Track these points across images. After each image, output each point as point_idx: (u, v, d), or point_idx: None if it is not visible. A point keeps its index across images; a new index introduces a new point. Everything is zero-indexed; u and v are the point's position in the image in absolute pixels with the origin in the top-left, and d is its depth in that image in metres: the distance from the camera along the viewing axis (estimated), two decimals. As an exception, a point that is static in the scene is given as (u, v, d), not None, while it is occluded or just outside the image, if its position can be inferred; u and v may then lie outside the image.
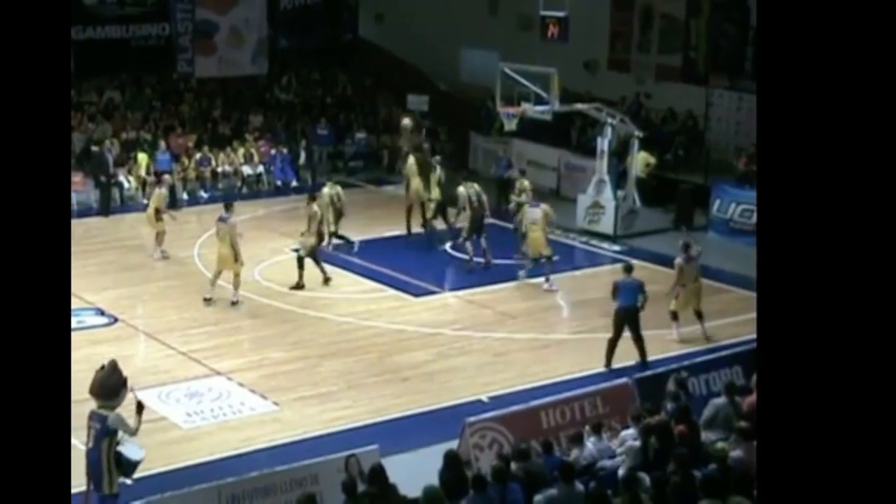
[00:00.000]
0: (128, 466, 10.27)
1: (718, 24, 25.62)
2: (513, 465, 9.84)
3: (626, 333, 15.31)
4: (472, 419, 12.09)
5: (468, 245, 19.74)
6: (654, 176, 23.66)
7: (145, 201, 23.65)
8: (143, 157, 24.69)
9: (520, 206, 20.02)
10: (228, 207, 17.77)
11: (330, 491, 10.23)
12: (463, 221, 20.25)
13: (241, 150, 26.16)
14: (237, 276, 17.39)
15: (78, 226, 21.25)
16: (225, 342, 16.12)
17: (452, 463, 9.70)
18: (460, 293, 18.73)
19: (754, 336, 13.39)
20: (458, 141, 28.81)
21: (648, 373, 13.81)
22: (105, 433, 10.05)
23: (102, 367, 10.50)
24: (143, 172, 24.50)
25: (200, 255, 20.09)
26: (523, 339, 16.55)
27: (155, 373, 14.72)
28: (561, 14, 21.37)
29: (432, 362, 15.56)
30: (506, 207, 21.65)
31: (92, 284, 18.05)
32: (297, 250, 18.85)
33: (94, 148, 24.23)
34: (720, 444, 10.20)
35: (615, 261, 20.85)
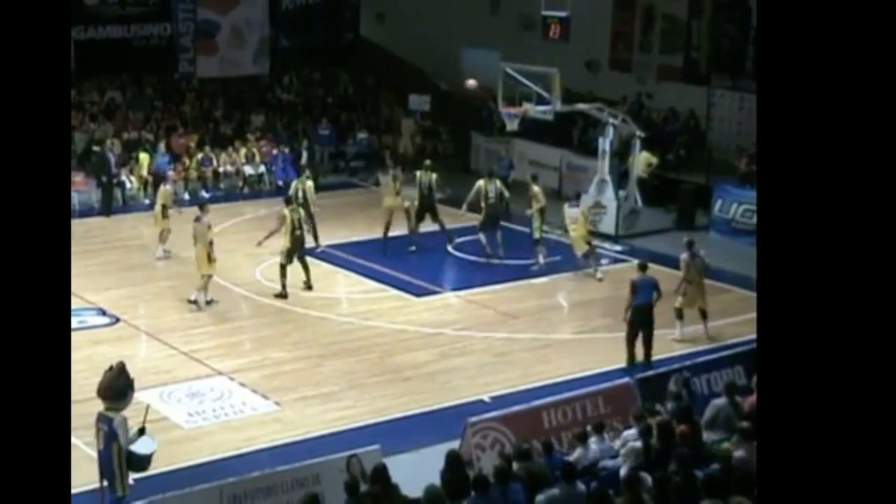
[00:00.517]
0: (140, 461, 10.34)
1: (720, 24, 25.63)
2: (514, 465, 9.83)
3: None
4: (473, 419, 12.08)
5: (482, 237, 20.15)
6: (656, 176, 23.66)
7: (147, 201, 23.71)
8: (144, 157, 24.69)
9: (542, 211, 20.08)
10: (202, 208, 17.70)
11: (331, 491, 10.22)
12: (468, 213, 20.45)
13: (243, 150, 26.16)
14: (209, 278, 17.25)
15: (79, 225, 21.29)
16: (226, 342, 16.12)
17: (454, 463, 9.70)
18: (462, 293, 18.73)
19: (755, 336, 13.40)
20: (460, 141, 28.82)
21: (650, 373, 13.80)
22: (113, 435, 10.10)
23: (111, 369, 10.50)
24: (144, 172, 24.49)
25: (202, 256, 20.09)
26: (525, 339, 16.55)
27: (156, 373, 14.71)
28: (562, 14, 21.38)
29: (434, 362, 15.55)
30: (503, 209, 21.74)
31: (93, 284, 18.06)
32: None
33: (96, 148, 24.24)
34: (725, 445, 10.20)
35: (617, 261, 20.89)
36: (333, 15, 30.46)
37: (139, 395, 13.90)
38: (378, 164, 27.91)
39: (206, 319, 17.00)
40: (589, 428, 11.54)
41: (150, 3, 26.94)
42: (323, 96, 30.73)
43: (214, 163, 25.61)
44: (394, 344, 16.13)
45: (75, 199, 22.72)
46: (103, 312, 17.10)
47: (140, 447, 10.29)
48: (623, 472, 9.93)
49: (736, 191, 22.53)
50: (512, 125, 21.57)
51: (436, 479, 9.44)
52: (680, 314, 16.38)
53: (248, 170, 25.87)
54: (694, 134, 26.11)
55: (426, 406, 14.04)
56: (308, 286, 18.19)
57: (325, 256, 20.21)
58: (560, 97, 21.18)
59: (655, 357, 15.26)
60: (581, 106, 23.13)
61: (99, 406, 10.63)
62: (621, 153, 22.71)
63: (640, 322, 15.17)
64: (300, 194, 20.07)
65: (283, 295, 17.81)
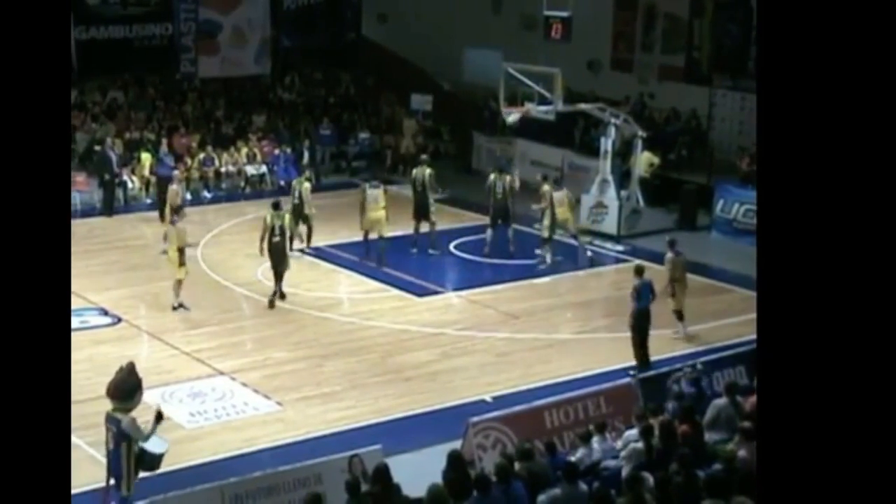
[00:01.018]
0: (153, 460, 10.36)
1: (722, 24, 25.63)
2: (516, 465, 9.83)
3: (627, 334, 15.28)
4: (475, 419, 12.08)
5: (488, 232, 20.36)
6: (658, 176, 23.65)
7: (149, 201, 23.72)
8: (146, 157, 24.70)
9: (544, 212, 20.13)
10: (178, 212, 17.55)
11: (333, 491, 10.21)
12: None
13: (245, 150, 26.18)
14: (179, 281, 17.14)
15: (81, 225, 21.32)
16: (228, 342, 16.12)
17: (456, 463, 9.69)
18: (463, 293, 18.73)
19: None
20: (462, 140, 28.82)
21: (651, 373, 13.80)
22: (123, 436, 10.12)
23: (121, 369, 10.54)
24: (146, 172, 24.49)
25: (204, 256, 20.09)
26: (526, 339, 16.54)
27: (158, 373, 14.69)
28: (564, 14, 21.37)
29: (435, 362, 15.55)
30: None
31: (95, 284, 18.06)
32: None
33: (97, 147, 24.25)
34: (730, 446, 10.18)
35: (618, 261, 20.89)
36: (335, 15, 30.47)
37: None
38: (379, 165, 28.00)
39: (208, 319, 17.00)
40: (591, 428, 11.54)
41: (152, 3, 26.97)
42: (325, 96, 30.74)
43: (216, 163, 25.62)
44: (395, 344, 16.13)
45: (77, 199, 22.74)
46: (105, 312, 17.11)
47: (152, 446, 10.33)
48: (625, 472, 9.92)
49: (738, 191, 22.52)
50: (514, 120, 21.59)
51: (437, 479, 9.44)
52: (680, 315, 16.38)
53: (250, 170, 25.88)
54: (696, 134, 26.11)
55: (428, 406, 14.04)
56: (274, 298, 17.50)
57: (327, 256, 20.21)
58: (562, 97, 21.18)
59: (656, 357, 15.24)
60: (583, 106, 23.13)
61: (101, 406, 10.64)
62: (623, 153, 22.71)
63: (645, 325, 15.16)
64: (297, 195, 20.09)
65: (271, 302, 17.49)
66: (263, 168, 26.01)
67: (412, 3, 30.78)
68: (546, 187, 20.34)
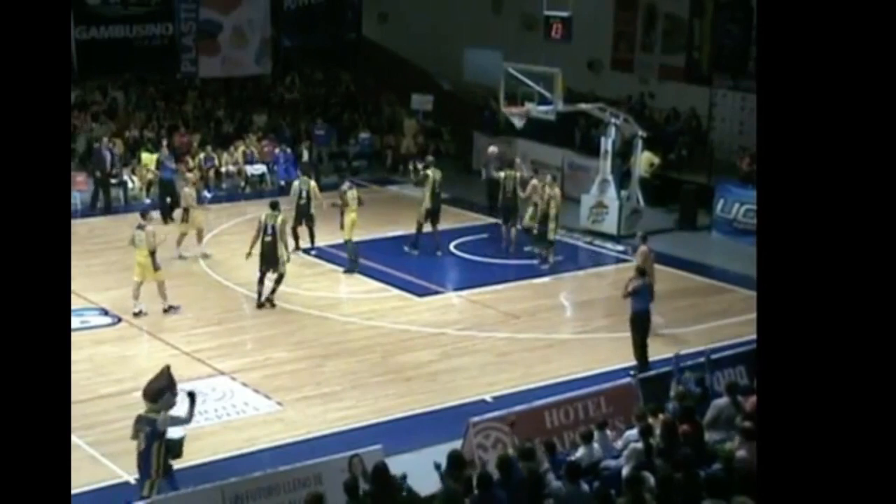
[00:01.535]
0: (173, 447, 10.59)
1: (722, 24, 25.63)
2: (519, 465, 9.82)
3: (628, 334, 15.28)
4: (475, 419, 12.07)
5: (503, 230, 20.76)
6: (658, 176, 23.65)
7: (148, 201, 23.72)
8: (147, 157, 24.70)
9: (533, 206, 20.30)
10: (144, 216, 17.29)
11: (333, 491, 10.20)
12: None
13: (242, 149, 26.17)
14: (161, 283, 17.05)
15: (81, 225, 21.35)
16: (228, 342, 16.12)
17: (456, 463, 9.66)
18: (464, 293, 18.73)
19: (758, 336, 13.33)
20: (462, 141, 28.82)
21: (652, 373, 13.78)
22: (154, 436, 10.33)
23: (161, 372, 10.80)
24: (147, 172, 24.49)
25: (204, 256, 20.09)
26: (527, 339, 16.54)
27: (158, 373, 14.70)
28: (564, 14, 21.38)
29: (436, 362, 15.55)
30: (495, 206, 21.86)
31: (95, 284, 18.06)
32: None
33: (96, 145, 24.27)
34: (728, 445, 10.18)
35: (619, 260, 20.88)
36: (336, 15, 30.47)
37: (141, 395, 14.04)
38: (379, 165, 28.00)
39: (208, 319, 17.00)
40: (592, 427, 11.53)
41: (153, 2, 26.96)
42: (325, 96, 30.73)
43: (216, 162, 25.62)
44: (396, 344, 16.12)
45: (77, 198, 22.75)
46: (105, 312, 17.10)
47: (172, 432, 10.57)
48: (625, 472, 9.92)
49: (738, 191, 22.51)
50: (520, 122, 21.63)
51: (437, 480, 9.44)
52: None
53: (250, 170, 25.88)
54: (696, 134, 26.10)
55: (428, 406, 14.04)
56: (261, 299, 17.42)
57: (328, 256, 20.21)
58: (562, 97, 21.18)
59: (656, 357, 15.22)
60: (583, 106, 23.13)
61: (100, 406, 10.72)
62: (623, 153, 22.71)
63: (645, 326, 15.16)
64: (304, 194, 20.10)
65: (260, 305, 17.38)
66: (263, 168, 26.00)
67: (413, 3, 30.78)
68: (535, 181, 20.48)
